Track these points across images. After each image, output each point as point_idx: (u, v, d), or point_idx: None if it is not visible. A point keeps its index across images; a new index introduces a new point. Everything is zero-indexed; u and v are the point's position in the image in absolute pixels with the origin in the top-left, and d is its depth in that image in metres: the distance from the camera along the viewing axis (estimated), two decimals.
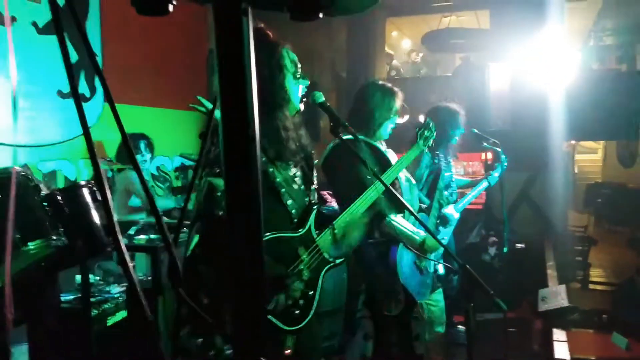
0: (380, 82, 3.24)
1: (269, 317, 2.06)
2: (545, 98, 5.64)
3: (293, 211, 2.23)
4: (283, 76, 2.19)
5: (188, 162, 5.69)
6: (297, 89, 2.25)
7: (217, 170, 2.00)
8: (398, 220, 2.87)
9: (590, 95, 5.76)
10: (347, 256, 2.45)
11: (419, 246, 2.85)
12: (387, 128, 3.15)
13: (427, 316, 3.40)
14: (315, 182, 2.40)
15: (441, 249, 3.26)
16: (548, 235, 5.85)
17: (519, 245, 5.42)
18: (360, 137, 2.90)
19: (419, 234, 2.88)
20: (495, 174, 4.12)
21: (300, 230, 2.23)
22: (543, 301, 4.13)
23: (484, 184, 4.09)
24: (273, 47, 2.19)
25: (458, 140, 4.05)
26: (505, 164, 4.14)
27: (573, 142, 8.41)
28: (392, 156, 3.11)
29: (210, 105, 2.10)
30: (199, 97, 2.13)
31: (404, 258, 3.01)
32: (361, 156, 2.53)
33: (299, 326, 2.16)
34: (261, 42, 2.14)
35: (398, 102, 3.15)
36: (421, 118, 3.21)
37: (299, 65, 2.26)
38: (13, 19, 4.11)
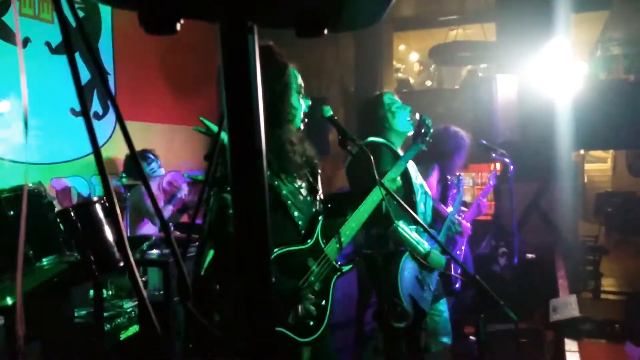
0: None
1: (284, 330, 2.09)
2: (553, 108, 5.64)
3: (300, 222, 2.26)
4: (291, 94, 2.25)
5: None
6: (300, 107, 2.32)
7: (228, 188, 2.04)
8: (404, 228, 2.92)
9: (599, 105, 5.76)
10: (355, 263, 2.48)
11: (423, 257, 2.90)
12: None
13: (430, 327, 3.40)
14: (321, 191, 2.44)
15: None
16: (558, 245, 5.82)
17: (529, 256, 5.39)
18: (383, 141, 3.03)
19: (423, 244, 2.92)
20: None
21: (308, 241, 2.26)
22: (554, 311, 4.10)
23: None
24: (282, 66, 2.25)
25: (462, 157, 4.13)
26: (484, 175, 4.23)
27: (582, 151, 8.39)
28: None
29: (214, 127, 2.14)
30: (201, 119, 2.18)
31: (407, 271, 3.03)
32: (383, 161, 2.63)
33: (314, 336, 2.18)
34: (271, 60, 2.20)
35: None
36: (417, 116, 3.25)
37: (302, 85, 2.34)
38: (27, 39, 4.19)
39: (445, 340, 3.48)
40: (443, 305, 3.51)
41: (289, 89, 2.24)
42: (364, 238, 3.20)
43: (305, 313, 2.15)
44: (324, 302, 2.24)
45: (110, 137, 4.89)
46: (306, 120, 2.36)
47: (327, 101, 5.48)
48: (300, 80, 2.32)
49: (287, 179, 2.25)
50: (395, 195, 2.30)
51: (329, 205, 2.47)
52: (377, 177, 2.28)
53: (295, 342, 2.12)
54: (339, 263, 2.36)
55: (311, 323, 2.18)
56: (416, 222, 2.20)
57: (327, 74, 7.51)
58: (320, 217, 2.34)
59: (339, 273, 2.34)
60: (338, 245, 2.34)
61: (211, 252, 2.10)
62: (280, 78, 2.22)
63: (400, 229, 2.90)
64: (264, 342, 0.68)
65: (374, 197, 2.48)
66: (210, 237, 2.11)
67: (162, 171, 4.92)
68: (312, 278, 2.21)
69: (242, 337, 0.66)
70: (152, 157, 4.73)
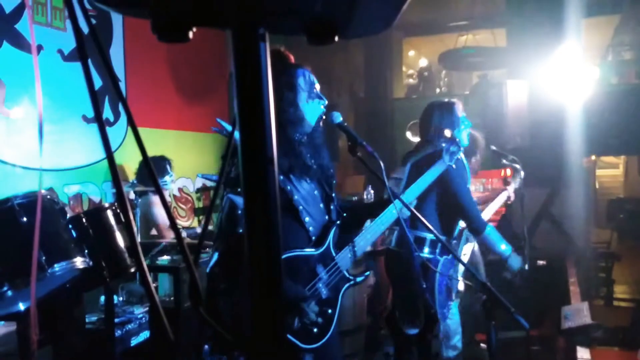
0: (438, 101, 3.50)
1: (288, 336, 2.08)
2: (563, 114, 5.62)
3: (311, 229, 2.23)
4: (295, 94, 2.22)
5: (210, 183, 5.74)
6: (311, 108, 2.27)
7: (239, 189, 2.04)
8: (494, 234, 3.08)
9: (610, 110, 5.74)
10: (367, 273, 2.47)
11: (505, 259, 3.02)
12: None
13: (442, 330, 3.39)
14: (336, 201, 2.42)
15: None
16: (570, 251, 5.78)
17: (540, 262, 5.36)
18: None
19: (509, 248, 3.05)
20: None
21: (319, 248, 2.24)
22: (566, 319, 4.07)
23: None
24: (288, 67, 2.24)
25: (478, 158, 4.10)
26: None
27: (593, 157, 8.33)
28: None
29: (230, 128, 2.14)
30: (218, 120, 2.18)
31: (441, 279, 3.04)
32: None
33: (317, 344, 2.15)
34: (275, 62, 2.19)
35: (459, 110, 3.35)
36: (447, 133, 3.23)
37: (316, 85, 2.31)
38: (40, 47, 4.22)
39: (457, 343, 3.47)
40: (455, 308, 3.50)
41: (291, 89, 2.22)
42: (396, 237, 3.23)
43: (309, 321, 2.13)
44: (330, 311, 2.21)
45: (121, 144, 4.91)
46: (321, 122, 2.33)
47: (337, 107, 5.49)
48: (313, 82, 2.28)
49: (300, 184, 2.24)
50: (411, 208, 2.27)
51: (345, 215, 2.44)
52: (389, 189, 2.25)
53: (297, 348, 2.10)
54: (350, 273, 2.34)
55: (315, 330, 2.16)
56: (430, 230, 2.19)
57: (336, 80, 7.53)
58: (333, 225, 2.31)
59: (349, 283, 2.32)
60: (350, 255, 2.32)
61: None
62: (285, 79, 2.21)
63: (490, 237, 3.03)
64: (273, 345, 0.67)
65: (392, 210, 2.42)
66: (220, 236, 2.11)
67: (171, 186, 4.95)
68: (320, 285, 2.19)
69: (250, 340, 0.66)
70: (169, 169, 4.75)
